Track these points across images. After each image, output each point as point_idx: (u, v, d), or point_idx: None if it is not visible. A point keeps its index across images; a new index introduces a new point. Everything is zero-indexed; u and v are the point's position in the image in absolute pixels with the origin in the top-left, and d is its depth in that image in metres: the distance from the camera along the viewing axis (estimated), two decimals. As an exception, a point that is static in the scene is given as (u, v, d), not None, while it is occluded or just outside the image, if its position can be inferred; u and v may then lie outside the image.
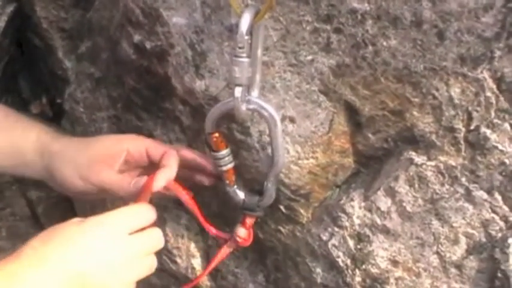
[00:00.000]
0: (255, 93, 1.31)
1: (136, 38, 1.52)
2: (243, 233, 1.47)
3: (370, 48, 1.28)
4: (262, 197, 1.42)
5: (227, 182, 1.44)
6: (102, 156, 1.42)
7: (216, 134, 1.38)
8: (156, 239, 1.31)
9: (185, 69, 1.44)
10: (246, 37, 1.24)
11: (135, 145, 1.44)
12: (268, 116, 1.31)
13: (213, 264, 1.50)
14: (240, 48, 1.25)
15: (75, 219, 1.25)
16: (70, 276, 1.17)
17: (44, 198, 2.28)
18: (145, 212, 1.31)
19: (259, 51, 1.28)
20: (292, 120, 1.37)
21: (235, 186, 1.45)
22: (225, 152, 1.41)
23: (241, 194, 1.46)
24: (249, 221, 1.47)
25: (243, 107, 1.30)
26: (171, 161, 1.39)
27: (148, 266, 1.30)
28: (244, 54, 1.25)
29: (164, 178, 1.36)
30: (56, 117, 2.29)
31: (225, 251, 1.50)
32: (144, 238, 1.29)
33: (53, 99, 2.32)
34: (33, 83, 2.37)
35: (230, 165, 1.42)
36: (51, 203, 2.29)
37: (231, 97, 1.31)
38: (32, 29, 2.22)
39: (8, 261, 1.15)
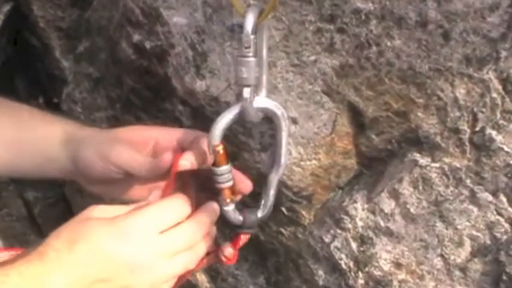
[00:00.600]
0: (263, 93, 1.28)
1: (136, 37, 1.50)
2: (229, 252, 1.37)
3: (374, 48, 1.27)
4: (261, 209, 1.35)
5: (228, 200, 1.33)
6: (127, 140, 1.35)
7: (221, 146, 1.28)
8: (190, 234, 1.24)
9: (186, 70, 1.42)
10: (252, 36, 1.21)
11: (165, 136, 1.36)
12: (280, 116, 1.28)
13: (187, 275, 1.35)
14: (246, 48, 1.22)
15: (102, 215, 1.18)
16: (97, 281, 1.12)
17: (41, 198, 2.27)
18: (178, 207, 1.24)
19: (265, 52, 1.26)
20: (294, 121, 1.36)
21: (233, 205, 1.34)
22: (226, 167, 1.31)
23: (238, 214, 1.35)
24: (243, 239, 1.37)
25: (253, 108, 1.27)
26: (200, 145, 1.31)
27: (183, 263, 1.23)
28: (251, 54, 1.22)
29: (190, 159, 1.29)
30: (53, 117, 2.28)
31: (203, 263, 1.36)
32: (177, 235, 1.21)
33: (49, 99, 2.30)
34: (30, 83, 2.35)
35: (228, 184, 1.32)
36: (47, 204, 2.28)
37: (236, 101, 1.28)
38: (28, 29, 2.20)
39: (30, 263, 1.09)
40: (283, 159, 1.32)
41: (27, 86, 2.36)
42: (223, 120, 1.28)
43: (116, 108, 1.71)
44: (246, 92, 1.25)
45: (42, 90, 2.33)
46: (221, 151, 1.28)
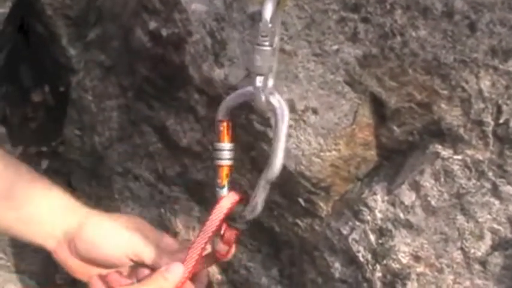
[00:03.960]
0: (270, 82, 1.26)
1: (152, 25, 1.49)
2: (221, 248, 1.32)
3: (399, 38, 1.25)
4: (247, 206, 1.29)
5: (219, 181, 1.30)
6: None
7: (225, 123, 1.29)
8: None
9: (204, 58, 1.41)
10: (270, 25, 1.19)
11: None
12: (280, 113, 1.23)
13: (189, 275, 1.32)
14: (262, 36, 1.20)
15: None
16: None
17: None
18: None
19: (277, 39, 1.24)
20: (315, 111, 1.35)
21: (225, 189, 1.31)
22: (227, 145, 1.31)
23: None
24: (228, 235, 1.30)
25: (263, 97, 1.24)
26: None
27: None
28: (267, 43, 1.20)
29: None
30: (59, 106, 2.26)
31: (201, 266, 1.33)
32: None
33: (55, 87, 2.29)
34: (35, 71, 2.34)
35: (227, 162, 1.31)
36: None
37: (250, 86, 1.25)
38: (35, 16, 2.19)
39: None
40: (275, 161, 1.24)
41: (32, 74, 2.35)
42: (233, 99, 1.29)
43: (127, 96, 1.70)
44: (259, 80, 1.22)
45: (47, 79, 2.32)
46: (223, 128, 1.29)
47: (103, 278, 1.34)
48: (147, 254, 1.32)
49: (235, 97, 1.30)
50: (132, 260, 1.34)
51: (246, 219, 1.30)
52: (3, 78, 2.24)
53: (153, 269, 1.33)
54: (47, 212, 1.36)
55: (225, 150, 1.30)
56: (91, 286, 1.33)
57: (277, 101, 1.23)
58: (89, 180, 1.95)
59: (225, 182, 1.30)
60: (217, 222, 1.27)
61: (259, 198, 1.27)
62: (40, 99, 2.33)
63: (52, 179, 1.94)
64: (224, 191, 1.30)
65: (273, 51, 1.21)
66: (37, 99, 2.32)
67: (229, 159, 1.30)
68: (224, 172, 1.30)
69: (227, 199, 1.28)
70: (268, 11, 1.18)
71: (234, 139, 1.31)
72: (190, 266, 1.28)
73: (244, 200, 1.29)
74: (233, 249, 1.34)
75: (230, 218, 1.30)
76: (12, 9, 2.09)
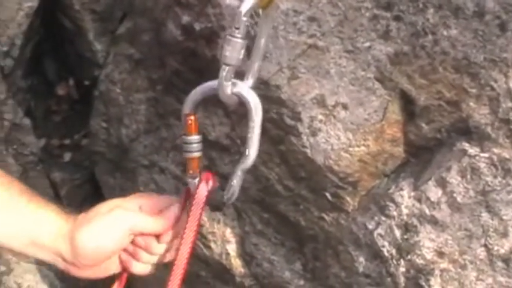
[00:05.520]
0: (249, 81, 1.25)
1: (185, 19, 1.51)
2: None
3: (430, 37, 1.28)
4: (225, 193, 1.29)
5: (190, 172, 1.30)
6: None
7: (192, 117, 1.28)
8: None
9: (236, 52, 1.42)
10: (244, 18, 1.16)
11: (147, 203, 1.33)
12: (252, 105, 1.23)
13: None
14: (235, 28, 1.17)
15: None
16: None
17: (68, 180, 2.28)
18: None
19: (263, 41, 1.23)
20: (345, 106, 1.37)
21: (197, 179, 1.29)
22: (196, 138, 1.29)
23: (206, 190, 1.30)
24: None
25: (228, 90, 1.24)
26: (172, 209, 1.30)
27: None
28: (239, 35, 1.17)
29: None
30: (83, 100, 2.29)
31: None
32: None
33: (79, 81, 2.31)
34: (60, 64, 2.36)
35: (197, 154, 1.30)
36: (74, 185, 2.29)
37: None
38: (62, 10, 2.21)
39: None
40: (250, 151, 1.25)
41: (56, 68, 2.37)
42: (197, 92, 1.29)
43: (156, 89, 1.72)
44: (224, 70, 1.21)
45: (72, 72, 2.34)
46: (191, 121, 1.28)
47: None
48: (144, 227, 1.32)
49: (200, 90, 1.29)
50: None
51: (226, 204, 1.31)
52: (28, 71, 2.26)
53: None
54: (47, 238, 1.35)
55: (195, 143, 1.29)
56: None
57: (250, 95, 1.23)
58: (114, 173, 1.96)
59: (197, 173, 1.29)
60: (198, 216, 1.28)
61: (237, 185, 1.28)
62: (64, 93, 2.35)
63: (73, 170, 1.98)
64: (197, 181, 1.29)
65: (243, 44, 1.19)
66: (61, 92, 2.35)
67: (199, 150, 1.29)
68: (196, 163, 1.30)
69: (203, 188, 1.30)
70: (246, 4, 1.16)
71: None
72: (183, 262, 1.28)
73: (215, 181, 1.30)
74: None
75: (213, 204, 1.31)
76: (40, 3, 2.10)
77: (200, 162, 1.29)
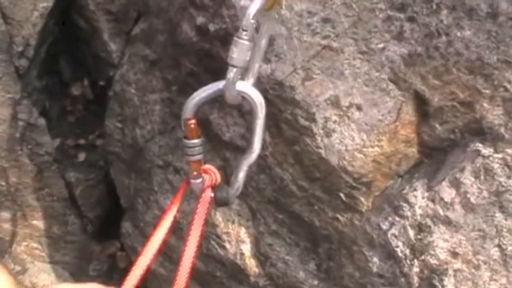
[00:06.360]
0: (250, 81, 1.26)
1: (200, 20, 1.52)
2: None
3: (444, 38, 1.28)
4: (230, 189, 1.32)
5: (194, 173, 1.31)
6: None
7: (193, 121, 1.29)
8: None
9: (250, 53, 1.43)
10: (252, 21, 1.18)
11: None
12: (257, 102, 1.25)
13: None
14: (243, 30, 1.19)
15: None
16: None
17: (83, 180, 2.28)
18: None
19: (265, 42, 1.24)
20: (359, 107, 1.37)
21: (200, 180, 1.31)
22: (198, 141, 1.30)
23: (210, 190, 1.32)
24: None
25: (234, 90, 1.25)
26: None
27: None
28: (246, 37, 1.20)
29: None
30: (97, 100, 2.30)
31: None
32: None
33: (94, 81, 2.32)
34: (75, 65, 2.37)
35: (199, 157, 1.31)
36: (89, 185, 2.29)
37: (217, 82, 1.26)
38: (77, 11, 2.22)
39: None
40: (255, 146, 1.28)
41: (72, 68, 2.38)
42: (200, 95, 1.29)
43: (171, 90, 1.73)
44: (231, 71, 1.23)
45: (87, 73, 2.35)
46: (193, 125, 1.28)
47: None
48: None
49: (202, 93, 1.29)
50: None
51: (232, 199, 1.33)
52: (43, 71, 2.27)
53: None
54: None
55: (197, 146, 1.30)
56: None
57: (254, 93, 1.24)
58: (128, 173, 1.97)
59: (200, 175, 1.30)
60: (204, 216, 1.29)
61: (242, 179, 1.31)
62: (79, 93, 2.36)
63: (88, 171, 1.98)
64: (200, 182, 1.31)
65: (251, 46, 1.21)
66: (76, 92, 2.36)
67: (200, 153, 1.30)
68: (198, 165, 1.31)
69: (207, 190, 1.31)
70: (254, 7, 1.18)
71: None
72: (187, 267, 1.28)
73: (217, 177, 1.31)
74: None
75: (222, 203, 1.33)
76: (55, 3, 2.11)
77: (201, 163, 1.30)
